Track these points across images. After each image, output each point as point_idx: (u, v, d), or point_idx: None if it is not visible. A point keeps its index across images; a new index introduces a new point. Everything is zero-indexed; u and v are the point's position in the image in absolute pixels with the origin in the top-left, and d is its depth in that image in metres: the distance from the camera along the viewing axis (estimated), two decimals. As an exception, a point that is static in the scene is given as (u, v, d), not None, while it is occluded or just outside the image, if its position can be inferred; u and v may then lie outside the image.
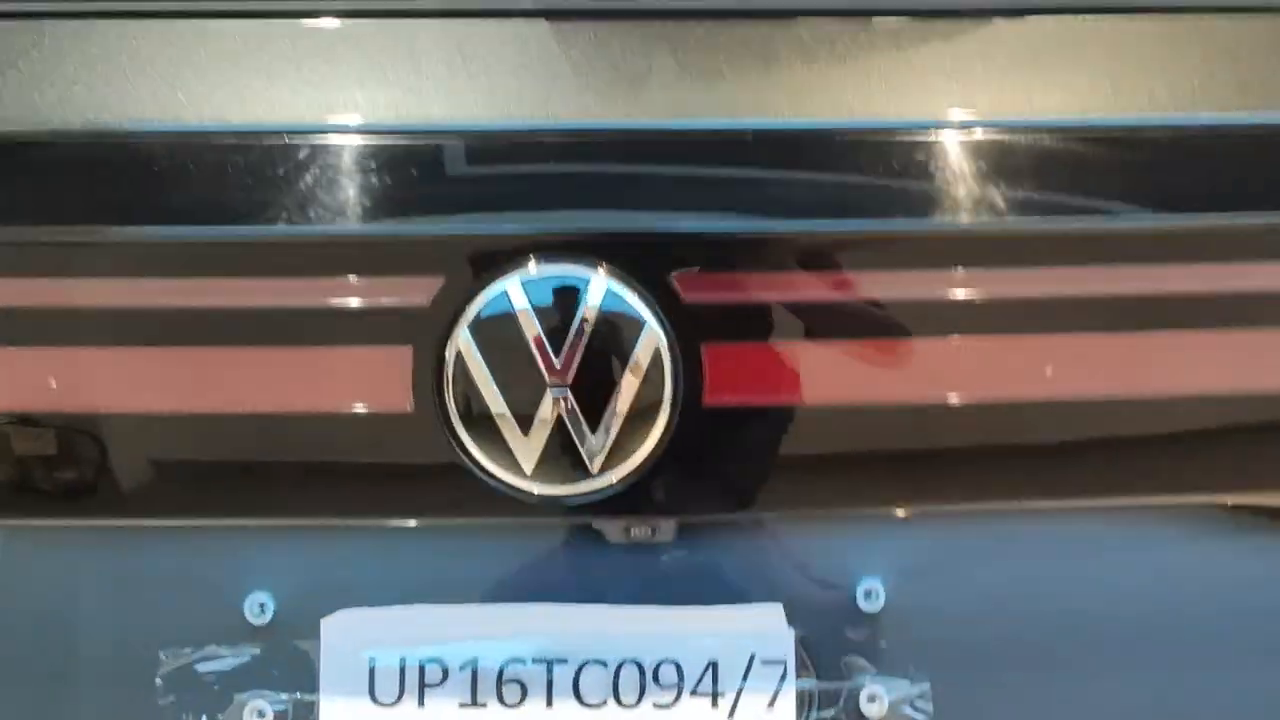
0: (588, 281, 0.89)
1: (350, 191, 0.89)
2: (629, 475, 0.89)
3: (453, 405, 0.89)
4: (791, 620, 0.97)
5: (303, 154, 0.88)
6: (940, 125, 0.90)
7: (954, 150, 0.90)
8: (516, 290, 0.89)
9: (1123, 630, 0.98)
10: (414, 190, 0.89)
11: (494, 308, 0.89)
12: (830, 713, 0.97)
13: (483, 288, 0.89)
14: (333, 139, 0.89)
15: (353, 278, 0.89)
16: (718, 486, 0.93)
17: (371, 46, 0.92)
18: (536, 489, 0.90)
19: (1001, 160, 0.91)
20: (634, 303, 0.90)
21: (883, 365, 0.92)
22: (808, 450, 0.93)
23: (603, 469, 0.89)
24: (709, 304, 0.91)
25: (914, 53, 0.93)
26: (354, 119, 0.89)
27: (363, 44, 0.92)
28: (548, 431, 0.89)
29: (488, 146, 0.91)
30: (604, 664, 0.97)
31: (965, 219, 0.89)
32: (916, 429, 0.92)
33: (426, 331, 0.89)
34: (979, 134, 0.91)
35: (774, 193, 0.92)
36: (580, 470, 0.89)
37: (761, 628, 0.97)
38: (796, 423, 0.92)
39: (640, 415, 0.89)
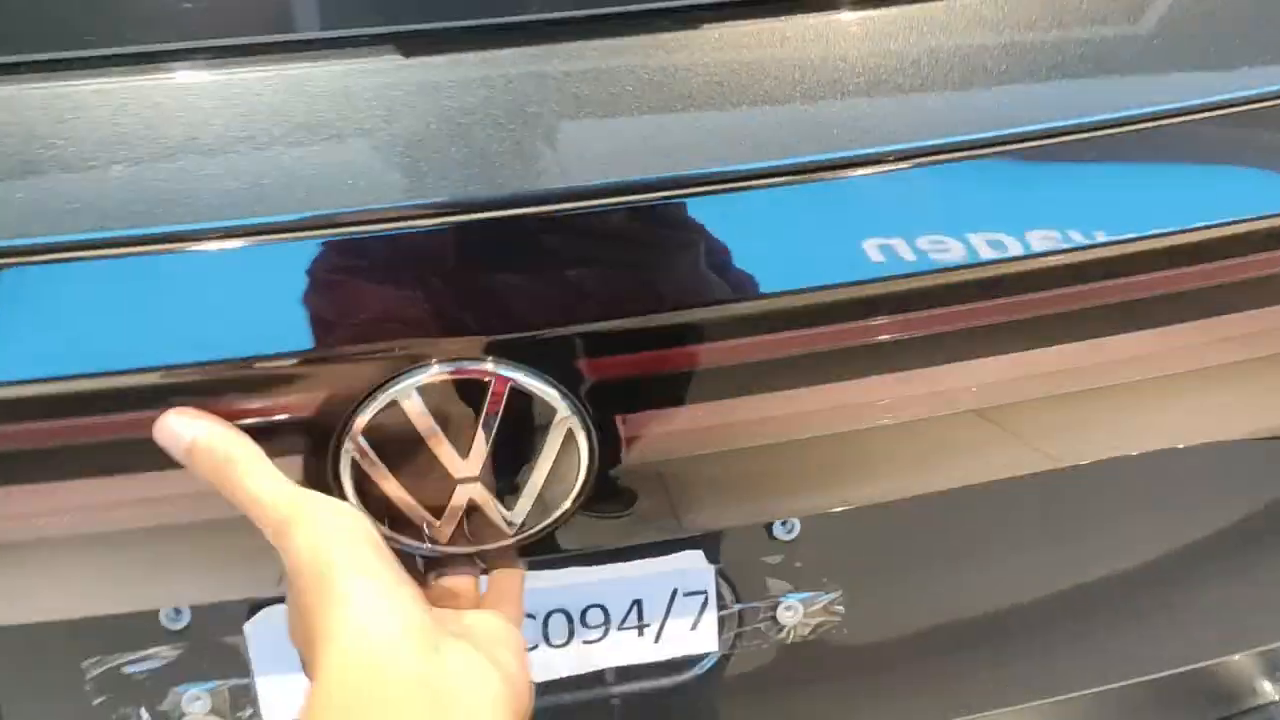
0: (488, 384, 0.76)
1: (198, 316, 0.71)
2: (546, 528, 0.83)
3: (354, 500, 0.79)
4: (713, 557, 0.97)
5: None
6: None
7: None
8: (410, 399, 0.75)
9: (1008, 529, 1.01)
10: (271, 301, 0.71)
11: (387, 415, 0.76)
12: (750, 627, 1.00)
13: (368, 399, 0.75)
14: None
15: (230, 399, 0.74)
16: (633, 524, 0.86)
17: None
18: (453, 550, 0.83)
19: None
20: (542, 390, 0.76)
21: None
22: (715, 480, 0.86)
23: (519, 530, 0.82)
24: (619, 379, 0.78)
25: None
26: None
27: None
28: (459, 515, 0.80)
29: (346, 243, 0.71)
30: (532, 617, 0.97)
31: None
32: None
33: (318, 442, 0.76)
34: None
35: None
36: (496, 533, 0.82)
37: (682, 567, 0.97)
38: (703, 462, 0.84)
39: (556, 483, 0.80)
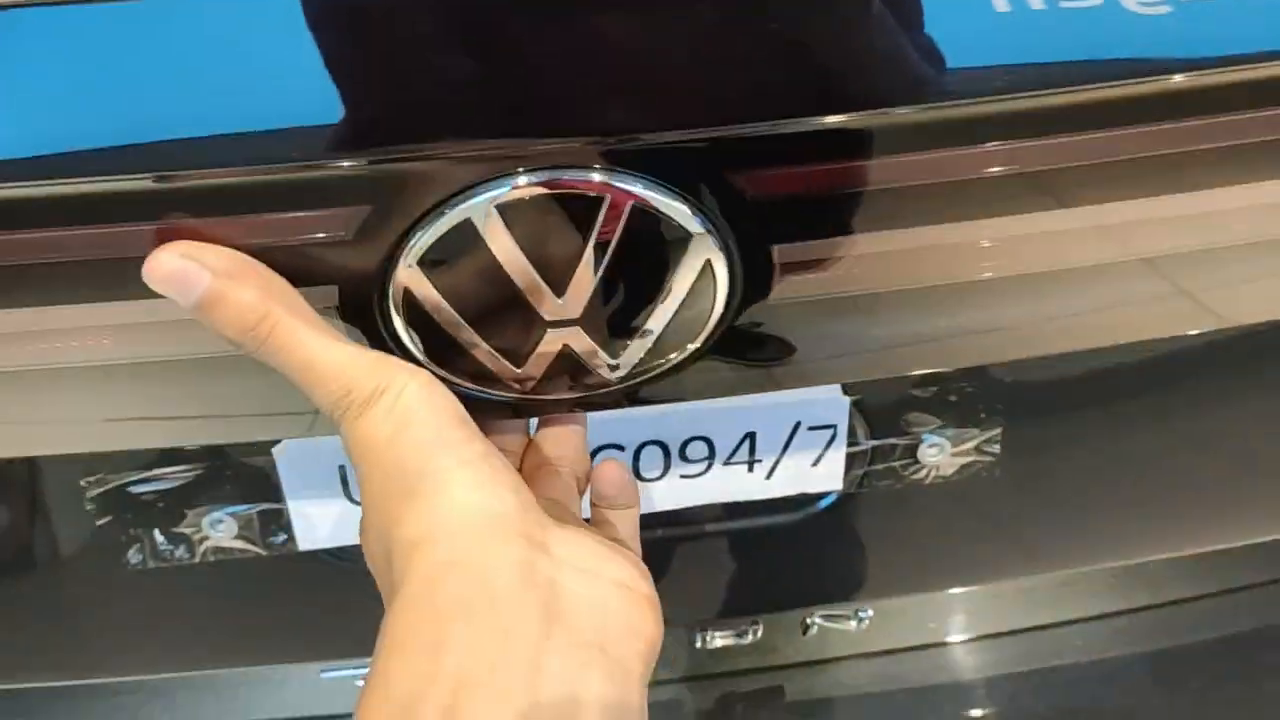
0: (599, 202, 0.52)
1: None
2: (660, 376, 0.62)
3: (409, 340, 0.57)
4: (850, 389, 0.76)
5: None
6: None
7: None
8: (488, 219, 0.52)
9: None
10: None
11: (454, 239, 0.53)
12: (883, 466, 0.81)
13: (429, 217, 0.52)
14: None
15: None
16: (767, 372, 0.64)
17: None
18: (536, 397, 0.62)
19: None
20: (676, 211, 0.53)
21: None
22: (878, 323, 0.62)
23: (625, 379, 0.61)
24: (783, 198, 0.54)
25: None
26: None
27: None
28: (548, 362, 0.59)
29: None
30: (620, 449, 0.77)
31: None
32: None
33: (360, 273, 0.54)
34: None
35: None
36: (596, 382, 0.61)
37: (810, 398, 0.76)
38: (869, 302, 0.60)
39: (678, 325, 0.59)
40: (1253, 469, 0.86)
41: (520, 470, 0.64)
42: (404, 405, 0.50)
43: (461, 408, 0.52)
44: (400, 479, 0.49)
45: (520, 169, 0.51)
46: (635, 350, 0.58)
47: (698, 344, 0.59)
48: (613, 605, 0.51)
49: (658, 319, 0.57)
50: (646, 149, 0.51)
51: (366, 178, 0.51)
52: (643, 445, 0.77)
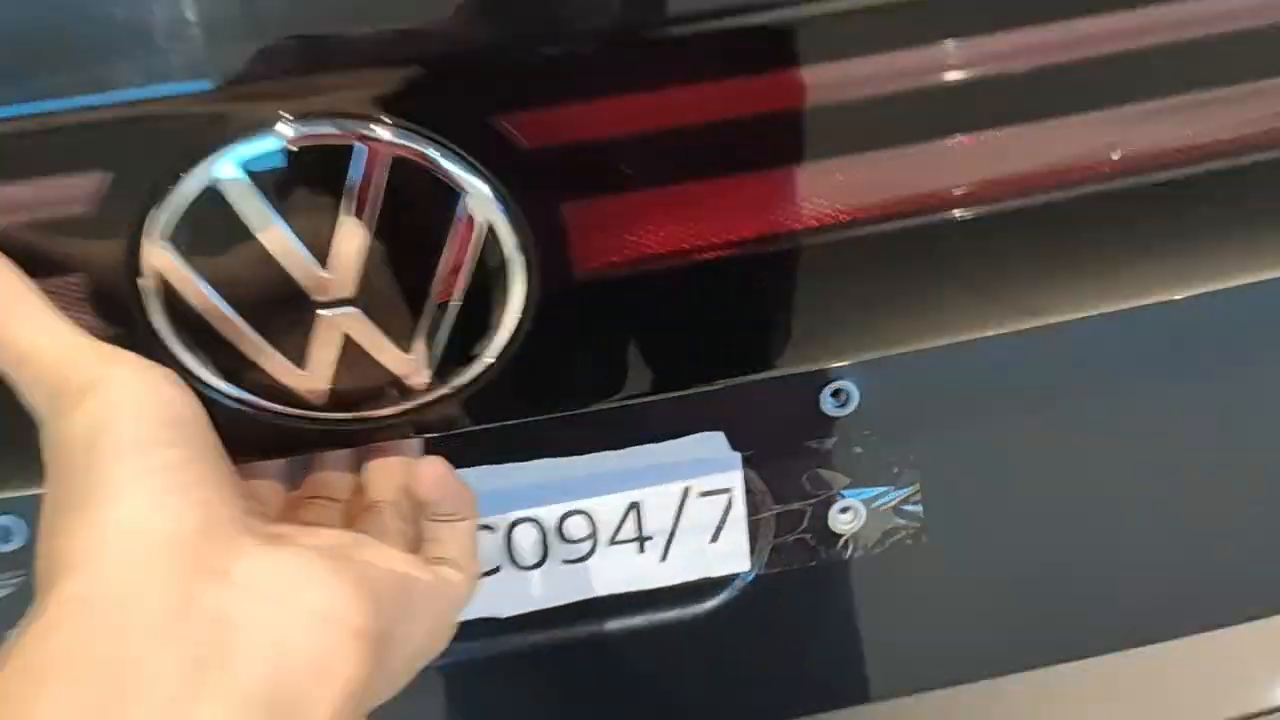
0: (358, 150, 0.49)
1: None
2: (473, 383, 0.56)
3: (171, 340, 0.52)
4: (740, 442, 0.69)
5: None
6: None
7: None
8: (233, 176, 0.49)
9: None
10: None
11: (202, 204, 0.49)
12: (792, 538, 0.73)
13: (175, 179, 0.49)
14: None
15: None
16: (603, 372, 0.58)
17: None
18: (338, 418, 0.56)
19: None
20: (441, 163, 0.49)
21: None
22: (728, 306, 0.56)
23: (431, 386, 0.55)
24: (564, 146, 0.50)
25: None
26: None
27: None
28: (333, 358, 0.53)
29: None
30: (489, 529, 0.70)
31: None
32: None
33: (102, 249, 0.50)
34: None
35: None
36: (400, 392, 0.55)
37: (697, 456, 0.69)
38: (710, 277, 0.54)
39: (480, 307, 0.53)
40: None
41: (352, 518, 0.57)
42: (112, 400, 0.43)
43: (186, 408, 0.45)
44: (78, 487, 0.42)
45: (264, 121, 0.47)
46: (431, 343, 0.52)
47: (510, 331, 0.52)
48: (295, 641, 0.42)
49: (449, 297, 0.51)
50: (393, 91, 0.47)
51: (98, 136, 0.47)
52: (515, 524, 0.69)
